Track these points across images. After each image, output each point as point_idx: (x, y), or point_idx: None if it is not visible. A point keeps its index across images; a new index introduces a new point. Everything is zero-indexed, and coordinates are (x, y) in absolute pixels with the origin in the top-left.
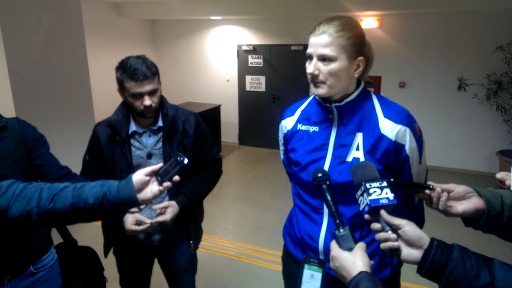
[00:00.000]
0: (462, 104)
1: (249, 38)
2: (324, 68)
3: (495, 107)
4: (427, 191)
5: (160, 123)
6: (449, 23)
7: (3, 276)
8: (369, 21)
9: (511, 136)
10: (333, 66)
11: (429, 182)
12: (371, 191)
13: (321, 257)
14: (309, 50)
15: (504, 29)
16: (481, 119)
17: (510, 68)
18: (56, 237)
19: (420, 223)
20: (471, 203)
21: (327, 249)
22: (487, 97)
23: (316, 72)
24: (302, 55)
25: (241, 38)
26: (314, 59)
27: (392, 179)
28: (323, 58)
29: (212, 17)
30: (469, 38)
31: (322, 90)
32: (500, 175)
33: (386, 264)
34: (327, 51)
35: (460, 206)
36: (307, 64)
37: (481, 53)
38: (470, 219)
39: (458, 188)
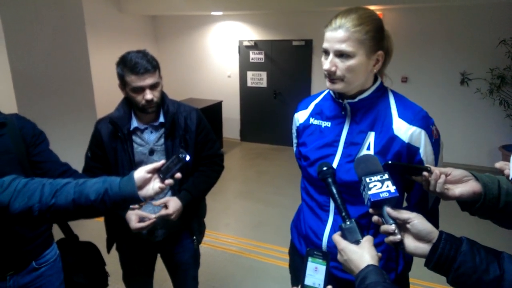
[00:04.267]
0: (464, 98)
1: (250, 33)
2: (341, 64)
3: (498, 101)
4: (425, 174)
5: (161, 119)
6: (452, 18)
7: (6, 272)
8: None
9: None
10: (351, 62)
11: (427, 165)
12: (371, 185)
13: None
14: (325, 45)
15: (507, 23)
16: (484, 113)
17: None
18: (58, 233)
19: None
20: (468, 186)
21: (330, 247)
22: (490, 91)
23: (333, 69)
24: (304, 50)
25: (242, 33)
26: (331, 55)
27: (389, 162)
28: (340, 54)
29: (213, 13)
30: (472, 32)
31: (338, 86)
32: (499, 164)
33: (390, 269)
34: (344, 47)
35: (457, 189)
36: (322, 59)
37: (484, 48)
38: (467, 203)
39: (456, 172)
